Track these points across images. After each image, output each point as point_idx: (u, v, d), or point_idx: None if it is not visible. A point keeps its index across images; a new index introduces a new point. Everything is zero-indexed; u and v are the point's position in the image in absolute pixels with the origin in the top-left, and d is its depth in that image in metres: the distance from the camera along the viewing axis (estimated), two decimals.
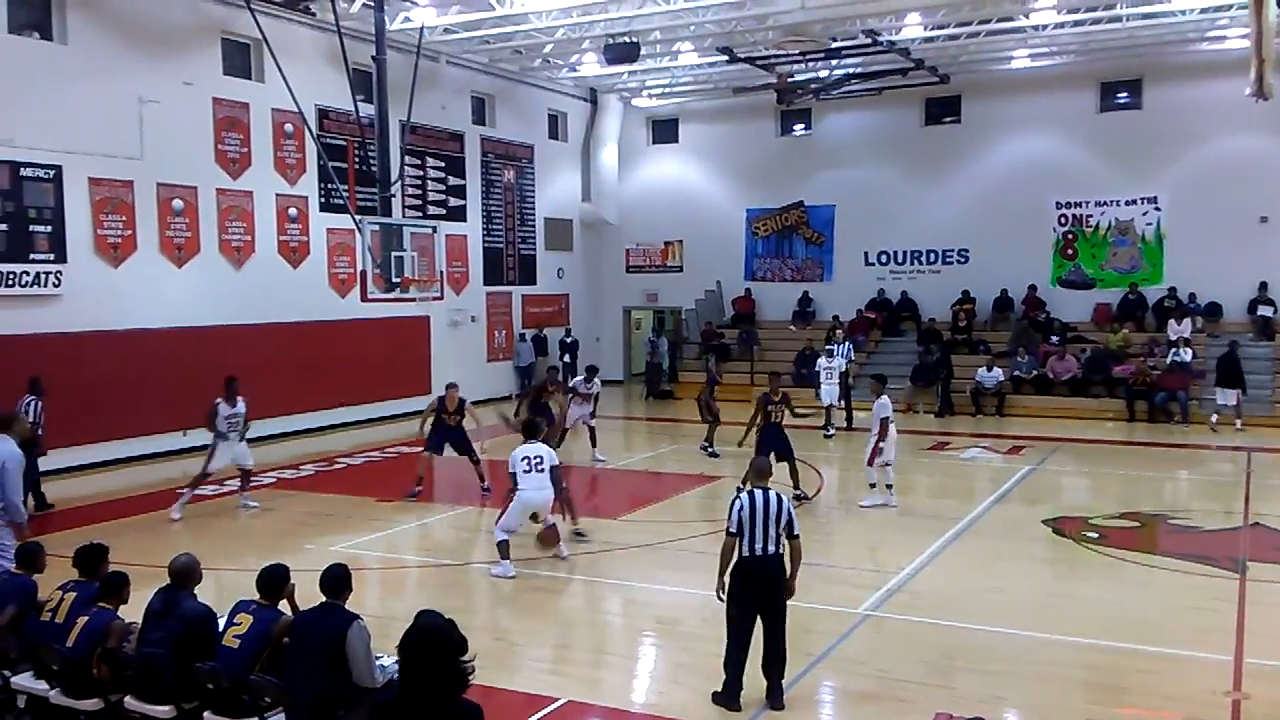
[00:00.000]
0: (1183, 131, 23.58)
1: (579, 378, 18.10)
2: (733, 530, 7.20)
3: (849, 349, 22.32)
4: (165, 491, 14.32)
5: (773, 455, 11.86)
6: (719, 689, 7.25)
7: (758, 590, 7.20)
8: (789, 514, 7.25)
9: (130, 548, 10.36)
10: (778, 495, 7.28)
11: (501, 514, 10.85)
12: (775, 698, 7.24)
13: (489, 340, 25.57)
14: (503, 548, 10.59)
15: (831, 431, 20.04)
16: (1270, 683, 7.66)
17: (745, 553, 7.17)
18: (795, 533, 7.28)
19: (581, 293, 29.19)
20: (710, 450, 17.69)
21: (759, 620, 7.24)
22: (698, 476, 15.90)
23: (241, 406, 13.46)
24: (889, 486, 13.62)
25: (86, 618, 6.41)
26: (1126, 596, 9.90)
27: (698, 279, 28.71)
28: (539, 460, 10.53)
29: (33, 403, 13.68)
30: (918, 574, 10.53)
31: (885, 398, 13.82)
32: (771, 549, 7.17)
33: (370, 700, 5.44)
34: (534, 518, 10.86)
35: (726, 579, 7.28)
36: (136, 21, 17.28)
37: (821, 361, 20.71)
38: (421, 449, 14.72)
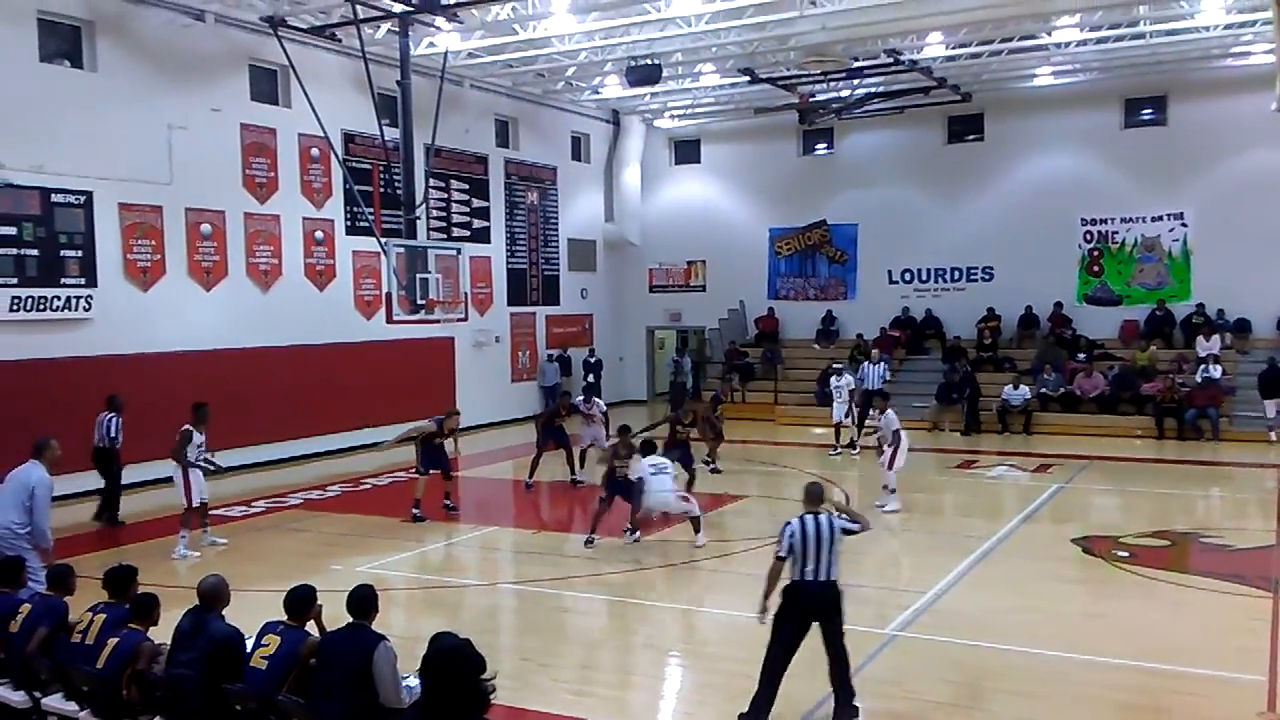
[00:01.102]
0: (1208, 147, 23.42)
1: (578, 398, 18.40)
2: (782, 554, 7.13)
3: (883, 369, 21.79)
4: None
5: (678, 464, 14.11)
6: (745, 710, 7.19)
7: (808, 615, 7.13)
8: (843, 537, 7.22)
9: (159, 570, 10.43)
10: (829, 520, 7.21)
11: (631, 513, 12.50)
12: (845, 707, 7.13)
13: (513, 361, 25.65)
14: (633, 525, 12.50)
15: (837, 451, 19.97)
16: None
17: (797, 577, 7.12)
18: (851, 528, 7.42)
19: (605, 313, 29.25)
20: (713, 466, 17.66)
21: (820, 635, 7.16)
22: (721, 496, 15.84)
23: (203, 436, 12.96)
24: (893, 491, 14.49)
25: (116, 639, 6.45)
26: (1159, 616, 9.78)
27: (721, 298, 28.71)
28: (664, 466, 12.53)
29: (112, 420, 13.87)
30: (946, 594, 10.44)
31: (892, 411, 14.76)
32: (824, 575, 7.09)
33: None
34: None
35: (772, 601, 7.19)
36: (165, 49, 17.53)
37: (833, 380, 20.48)
38: (415, 472, 14.72)
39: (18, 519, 8.62)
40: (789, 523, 7.21)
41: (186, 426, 12.72)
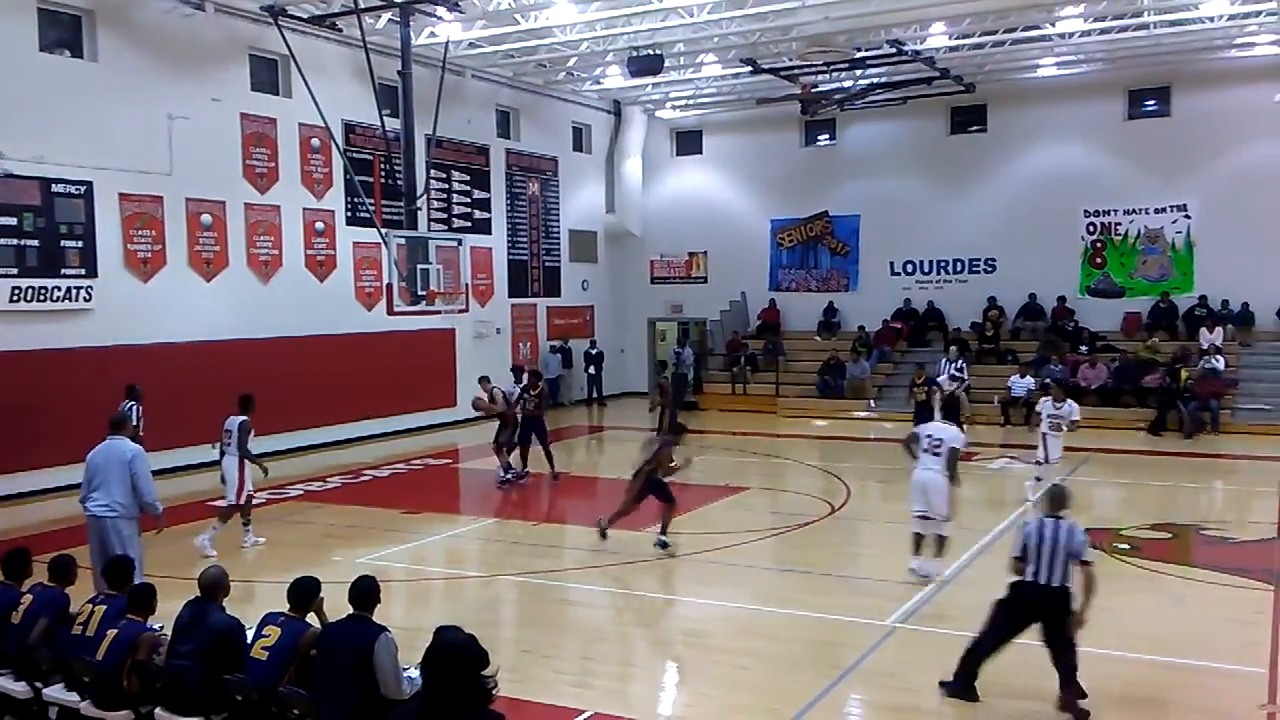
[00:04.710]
0: (1212, 138, 23.35)
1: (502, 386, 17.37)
2: (1017, 555, 7.18)
3: (961, 366, 20.70)
4: (194, 504, 14.39)
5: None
6: (948, 678, 7.20)
7: (1029, 616, 7.13)
8: (1080, 544, 7.08)
9: (160, 560, 10.42)
10: (1069, 526, 7.12)
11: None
12: (1071, 708, 7.09)
13: (514, 352, 25.61)
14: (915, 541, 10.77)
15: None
16: None
17: (1028, 578, 7.11)
18: (1087, 559, 7.11)
19: (606, 304, 29.21)
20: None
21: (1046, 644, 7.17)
22: (724, 488, 15.84)
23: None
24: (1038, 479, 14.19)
25: (116, 630, 6.46)
26: (1161, 609, 9.77)
27: (722, 290, 28.67)
28: (938, 442, 10.51)
29: (132, 407, 13.88)
30: (946, 586, 10.43)
31: (1073, 401, 14.83)
32: (1056, 581, 7.03)
33: (397, 712, 5.44)
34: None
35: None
36: (166, 39, 17.48)
37: (944, 372, 19.67)
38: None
39: (123, 499, 8.93)
40: (1028, 523, 7.25)
41: (245, 418, 12.44)
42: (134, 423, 13.87)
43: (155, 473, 14.30)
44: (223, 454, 12.51)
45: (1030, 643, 8.46)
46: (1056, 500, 7.41)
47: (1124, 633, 8.87)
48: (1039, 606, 7.09)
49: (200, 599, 6.53)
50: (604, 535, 12.14)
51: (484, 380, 17.03)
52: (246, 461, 12.36)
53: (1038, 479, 14.16)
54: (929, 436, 10.60)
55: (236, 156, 18.80)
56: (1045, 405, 14.74)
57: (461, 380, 22.92)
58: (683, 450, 12.76)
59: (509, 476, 16.39)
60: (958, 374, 21.14)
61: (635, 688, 8.23)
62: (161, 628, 6.92)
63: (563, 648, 9.02)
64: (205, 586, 6.57)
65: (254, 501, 12.84)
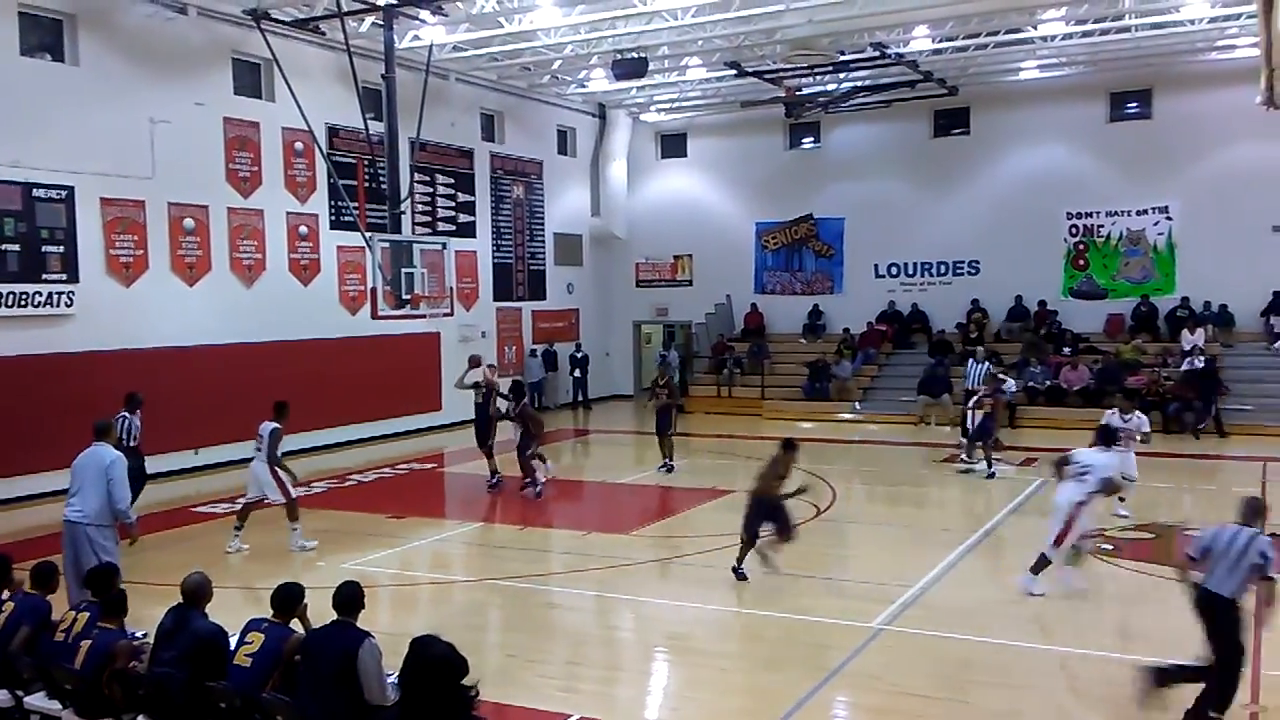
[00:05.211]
0: (1193, 141, 23.51)
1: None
2: (1192, 555, 7.07)
3: (984, 368, 18.35)
4: (177, 510, 14.35)
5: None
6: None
7: (1200, 619, 6.98)
8: (1260, 557, 6.81)
9: (146, 566, 10.38)
10: (1250, 537, 6.89)
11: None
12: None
13: (499, 356, 25.57)
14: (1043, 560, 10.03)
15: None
16: None
17: (1198, 579, 6.98)
18: (1268, 574, 6.82)
19: (591, 307, 29.20)
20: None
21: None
22: (709, 490, 15.85)
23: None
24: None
25: (90, 640, 6.41)
26: (1143, 609, 9.83)
27: (707, 293, 28.70)
28: (1085, 471, 10.06)
29: (123, 417, 13.74)
30: (932, 587, 10.46)
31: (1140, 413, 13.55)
32: (1226, 591, 6.82)
33: (381, 719, 5.43)
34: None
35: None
36: (147, 43, 17.39)
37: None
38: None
39: (99, 506, 8.90)
40: (1213, 529, 7.09)
41: (276, 425, 12.55)
42: (131, 431, 13.82)
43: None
44: (256, 458, 12.64)
45: (1015, 643, 8.50)
46: (1252, 510, 7.16)
47: (1105, 632, 8.93)
48: (1204, 612, 6.93)
49: (183, 605, 6.50)
50: (742, 577, 10.77)
51: (475, 359, 17.05)
52: (278, 467, 12.51)
53: (1121, 498, 13.02)
54: (1078, 463, 10.16)
55: (219, 160, 18.72)
56: (1112, 418, 13.30)
57: (447, 384, 22.85)
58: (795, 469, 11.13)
59: (538, 489, 15.51)
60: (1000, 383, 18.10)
61: (621, 691, 8.23)
62: (145, 635, 6.89)
63: (548, 652, 9.00)
64: (188, 593, 6.54)
65: (240, 507, 12.79)
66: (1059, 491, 10.19)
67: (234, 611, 6.69)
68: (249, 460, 12.96)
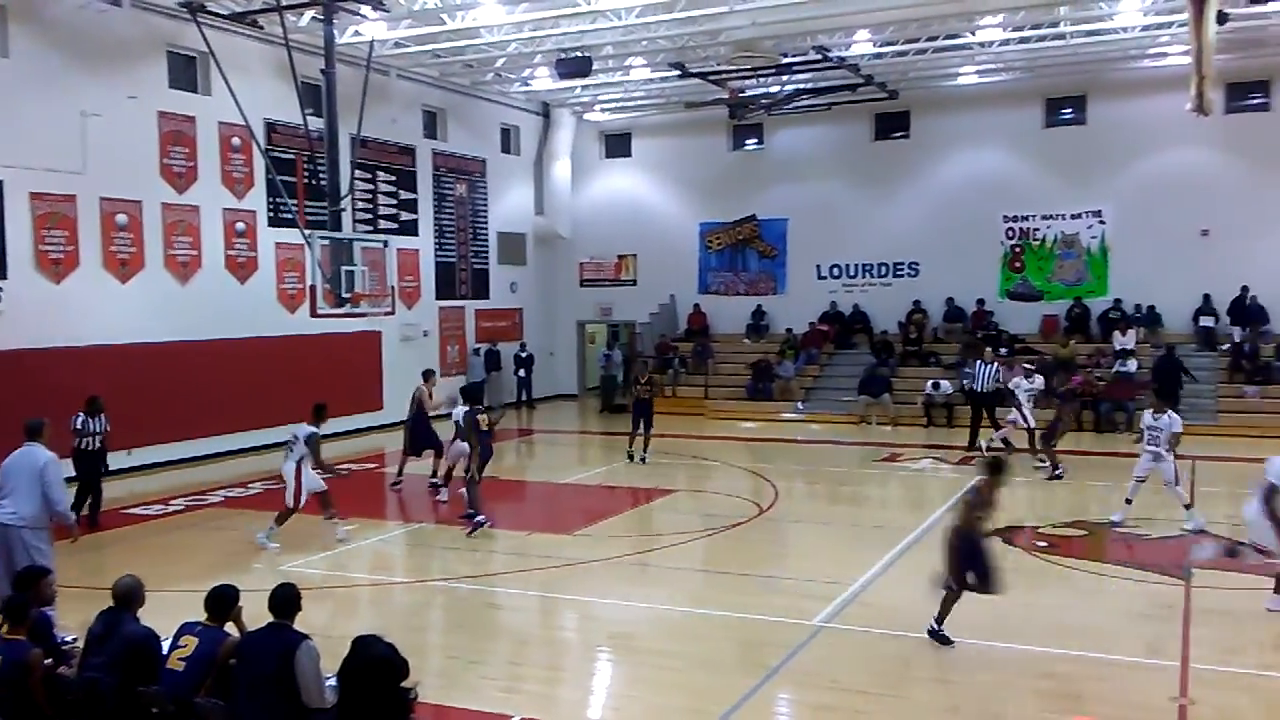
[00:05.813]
0: (1126, 146, 24.05)
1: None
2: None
3: (993, 371, 18.51)
4: (109, 511, 14.01)
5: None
6: None
7: None
8: None
9: (80, 567, 10.15)
10: None
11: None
12: None
13: (442, 355, 25.36)
14: None
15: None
16: (1216, 688, 7.77)
17: None
18: None
19: (535, 307, 29.09)
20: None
21: None
22: (652, 490, 15.87)
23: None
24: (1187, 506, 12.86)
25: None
26: (1077, 605, 10.01)
27: (651, 293, 28.74)
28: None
29: (85, 420, 13.38)
30: (870, 585, 10.57)
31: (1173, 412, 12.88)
32: None
33: None
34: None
35: None
36: (80, 34, 16.99)
37: (1021, 383, 17.71)
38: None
39: (32, 508, 8.69)
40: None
41: (314, 430, 12.42)
42: (96, 432, 13.46)
43: (69, 480, 13.93)
44: (286, 457, 12.54)
45: (987, 644, 8.61)
46: None
47: (1040, 628, 9.08)
48: None
49: (114, 609, 6.34)
50: (947, 641, 8.72)
51: (430, 375, 16.94)
52: (305, 468, 12.32)
53: (1187, 507, 12.83)
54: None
55: (154, 155, 18.34)
56: (1145, 418, 13.01)
57: (388, 384, 22.65)
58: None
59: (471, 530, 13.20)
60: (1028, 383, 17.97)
61: (563, 691, 8.20)
62: (74, 639, 6.72)
63: (490, 653, 8.95)
64: (119, 596, 6.38)
65: (174, 509, 12.56)
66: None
67: (169, 615, 6.54)
68: (185, 462, 12.74)
